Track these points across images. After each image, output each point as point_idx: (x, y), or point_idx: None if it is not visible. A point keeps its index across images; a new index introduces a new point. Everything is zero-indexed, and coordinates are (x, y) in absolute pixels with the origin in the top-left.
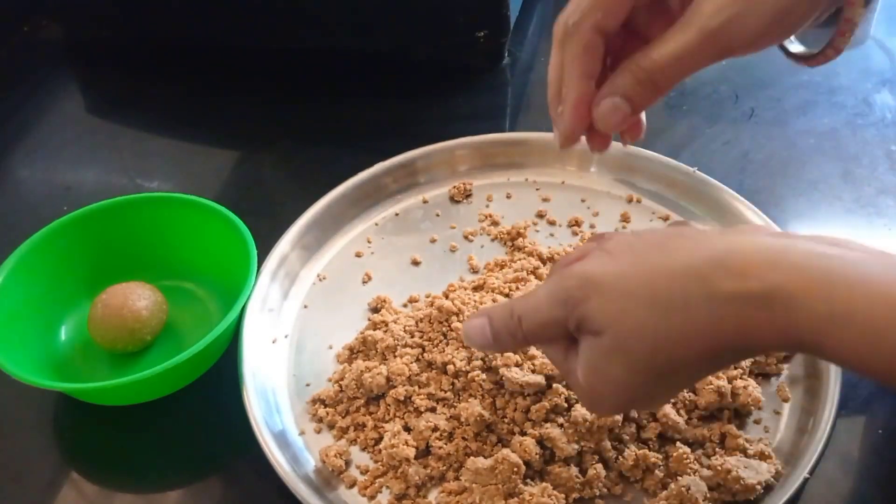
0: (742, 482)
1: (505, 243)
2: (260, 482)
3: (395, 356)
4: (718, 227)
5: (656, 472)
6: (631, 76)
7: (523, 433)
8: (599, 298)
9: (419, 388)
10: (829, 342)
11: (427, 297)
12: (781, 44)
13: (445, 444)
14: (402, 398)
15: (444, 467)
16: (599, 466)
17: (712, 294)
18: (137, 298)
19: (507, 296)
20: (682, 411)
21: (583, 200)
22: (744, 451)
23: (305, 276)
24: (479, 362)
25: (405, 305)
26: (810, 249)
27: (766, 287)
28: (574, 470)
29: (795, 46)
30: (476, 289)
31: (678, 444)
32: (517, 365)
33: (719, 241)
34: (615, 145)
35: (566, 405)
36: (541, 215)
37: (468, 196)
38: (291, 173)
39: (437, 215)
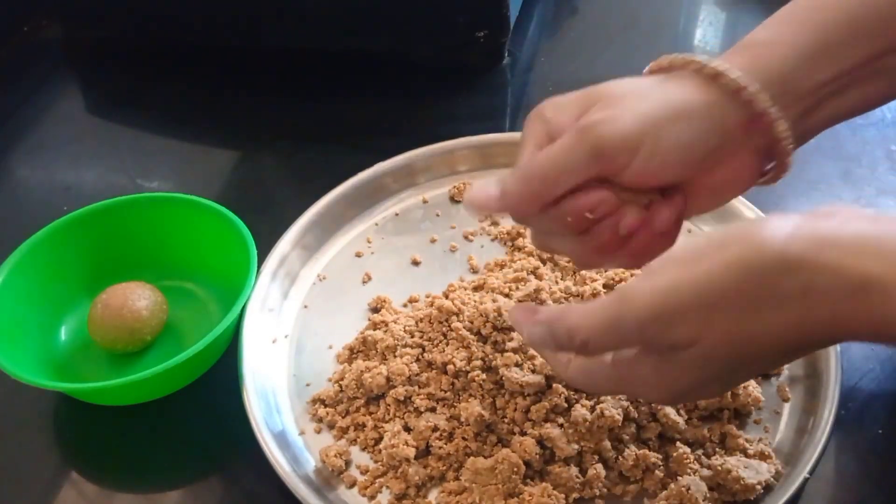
0: (742, 482)
1: (505, 243)
2: (260, 482)
3: (395, 356)
4: (794, 214)
5: (656, 472)
6: (514, 170)
7: (523, 433)
8: (680, 323)
9: (419, 388)
10: None
11: (427, 297)
12: None
13: (445, 444)
14: (402, 398)
15: (444, 467)
16: (599, 466)
17: (806, 290)
18: (137, 298)
19: (507, 296)
20: (682, 411)
21: None
22: (744, 451)
23: (305, 276)
24: (478, 362)
25: (405, 305)
26: None
27: (863, 280)
28: (574, 470)
29: None
30: (476, 289)
31: (678, 444)
32: (517, 365)
33: (808, 233)
34: None
35: (566, 405)
36: None
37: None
38: (291, 173)
39: (437, 215)
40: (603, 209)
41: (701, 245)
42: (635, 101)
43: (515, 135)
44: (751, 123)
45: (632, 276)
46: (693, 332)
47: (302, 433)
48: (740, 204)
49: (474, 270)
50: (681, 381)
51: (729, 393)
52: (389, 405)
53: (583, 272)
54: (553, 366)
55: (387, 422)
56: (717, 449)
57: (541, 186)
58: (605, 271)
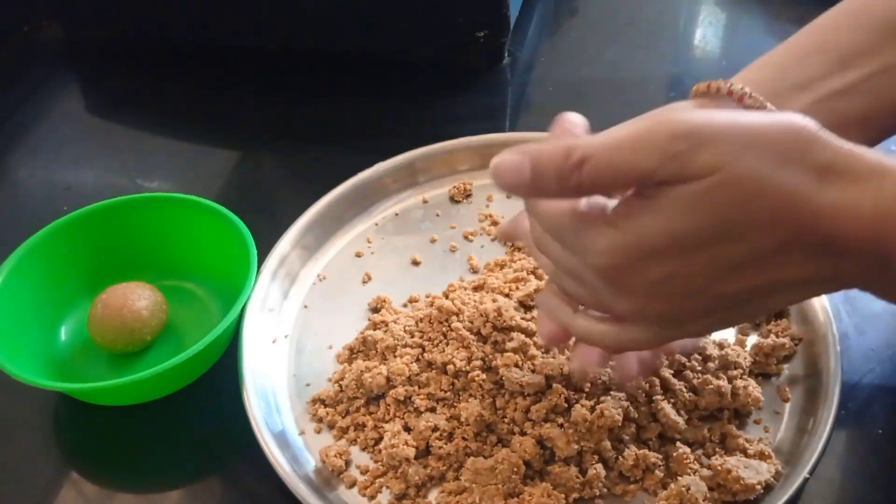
0: (742, 482)
1: (505, 243)
2: (260, 482)
3: (395, 356)
4: None
5: (656, 472)
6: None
7: (523, 433)
8: (710, 146)
9: (419, 388)
10: None
11: (427, 297)
12: None
13: (445, 444)
14: (402, 398)
15: (444, 467)
16: (599, 466)
17: (829, 164)
18: (137, 298)
19: (507, 296)
20: (682, 411)
21: None
22: (744, 451)
23: (305, 276)
24: (478, 362)
25: (405, 305)
26: None
27: (881, 167)
28: (574, 470)
29: None
30: (476, 289)
31: (678, 444)
32: (517, 365)
33: (840, 145)
34: None
35: (566, 405)
36: None
37: (468, 196)
38: (291, 173)
39: (437, 215)
40: None
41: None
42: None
43: (515, 135)
44: None
45: None
46: (718, 157)
47: (302, 433)
48: None
49: (474, 270)
50: (645, 228)
51: (729, 393)
52: (389, 405)
53: None
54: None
55: (387, 422)
56: (717, 449)
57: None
58: None
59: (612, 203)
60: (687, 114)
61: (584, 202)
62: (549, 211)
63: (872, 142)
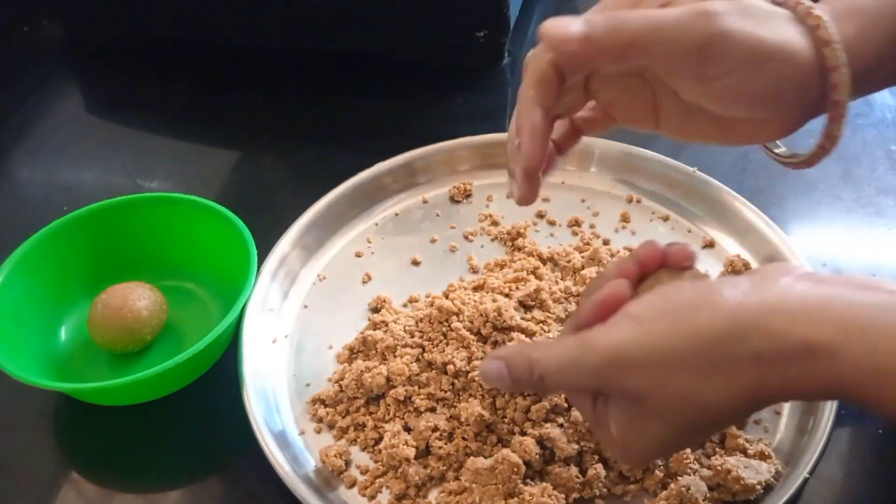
0: (742, 482)
1: (505, 243)
2: (260, 482)
3: (395, 356)
4: (744, 275)
5: (656, 472)
6: (601, 13)
7: (523, 433)
8: (634, 375)
9: (419, 388)
10: (873, 394)
11: (427, 297)
12: (769, 148)
13: (445, 444)
14: (402, 398)
15: (444, 467)
16: (599, 466)
17: (757, 355)
18: (137, 298)
19: (507, 296)
20: None
21: (583, 200)
22: (744, 451)
23: (305, 276)
24: (478, 362)
25: (405, 305)
26: (851, 300)
27: (810, 343)
28: (574, 470)
29: (782, 150)
30: (476, 289)
31: None
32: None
33: (756, 301)
34: (615, 145)
35: (566, 405)
36: (541, 215)
37: (468, 196)
38: (291, 173)
39: (437, 215)
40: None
41: (659, 306)
42: (760, 20)
43: None
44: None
45: None
46: (645, 385)
47: (302, 433)
48: (741, 205)
49: (474, 270)
50: (639, 438)
51: None
52: (389, 405)
53: (583, 272)
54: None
55: (387, 422)
56: (717, 449)
57: (632, 42)
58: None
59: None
60: (605, 340)
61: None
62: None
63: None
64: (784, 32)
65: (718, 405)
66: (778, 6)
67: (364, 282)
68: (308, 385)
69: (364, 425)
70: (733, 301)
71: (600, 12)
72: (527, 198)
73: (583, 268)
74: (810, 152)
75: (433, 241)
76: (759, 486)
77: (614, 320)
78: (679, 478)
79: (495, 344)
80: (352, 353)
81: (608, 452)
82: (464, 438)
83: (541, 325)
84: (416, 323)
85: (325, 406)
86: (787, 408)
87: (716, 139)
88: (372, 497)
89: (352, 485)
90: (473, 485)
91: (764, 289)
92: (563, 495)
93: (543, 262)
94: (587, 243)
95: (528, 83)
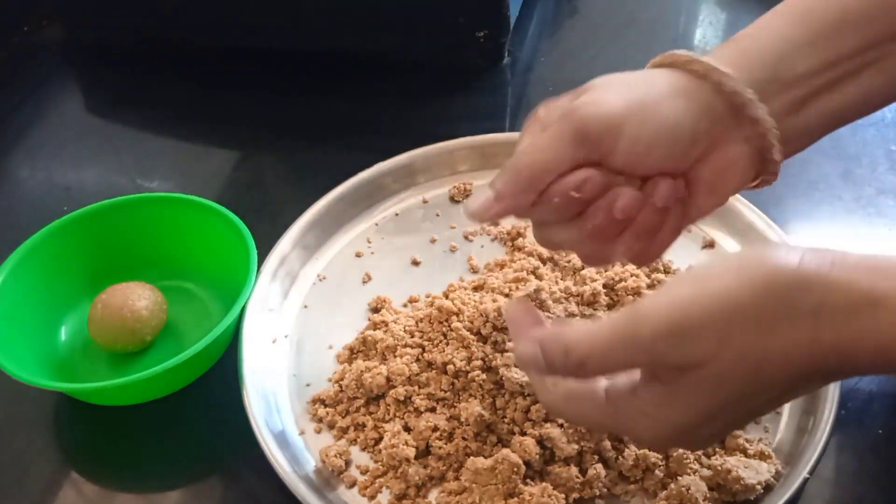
0: (742, 482)
1: (505, 243)
2: (260, 482)
3: (395, 356)
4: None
5: (656, 472)
6: (503, 168)
7: (523, 433)
8: (697, 339)
9: (419, 388)
10: None
11: (427, 297)
12: None
13: (445, 444)
14: (402, 398)
15: (444, 467)
16: (599, 466)
17: (819, 307)
18: (137, 298)
19: (507, 296)
20: None
21: None
22: (744, 451)
23: (305, 276)
24: (478, 362)
25: (405, 305)
26: None
27: (873, 295)
28: (574, 470)
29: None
30: (476, 289)
31: None
32: (517, 365)
33: (817, 257)
34: None
35: None
36: None
37: (468, 196)
38: (291, 173)
39: (437, 215)
40: (589, 188)
41: (715, 265)
42: (621, 86)
43: (515, 135)
44: (738, 112)
45: (632, 276)
46: (709, 349)
47: (302, 433)
48: (741, 205)
49: (474, 270)
50: (682, 414)
51: None
52: (389, 405)
53: (583, 272)
54: (536, 388)
55: (387, 422)
56: (717, 449)
57: (529, 177)
58: (605, 271)
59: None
60: (661, 304)
61: (602, 395)
62: (576, 411)
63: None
64: (654, 82)
65: (773, 366)
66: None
67: (364, 282)
68: (308, 385)
69: (364, 425)
70: (795, 255)
71: (509, 162)
72: (481, 215)
73: (583, 268)
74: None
75: (433, 241)
76: (759, 486)
77: (667, 283)
78: (679, 478)
79: (495, 344)
80: (352, 353)
81: (641, 441)
82: (464, 438)
83: None
84: (416, 323)
85: (325, 406)
86: (787, 408)
87: (720, 196)
88: (372, 497)
89: (352, 485)
90: (473, 485)
91: (820, 251)
92: (563, 495)
93: (543, 262)
94: None
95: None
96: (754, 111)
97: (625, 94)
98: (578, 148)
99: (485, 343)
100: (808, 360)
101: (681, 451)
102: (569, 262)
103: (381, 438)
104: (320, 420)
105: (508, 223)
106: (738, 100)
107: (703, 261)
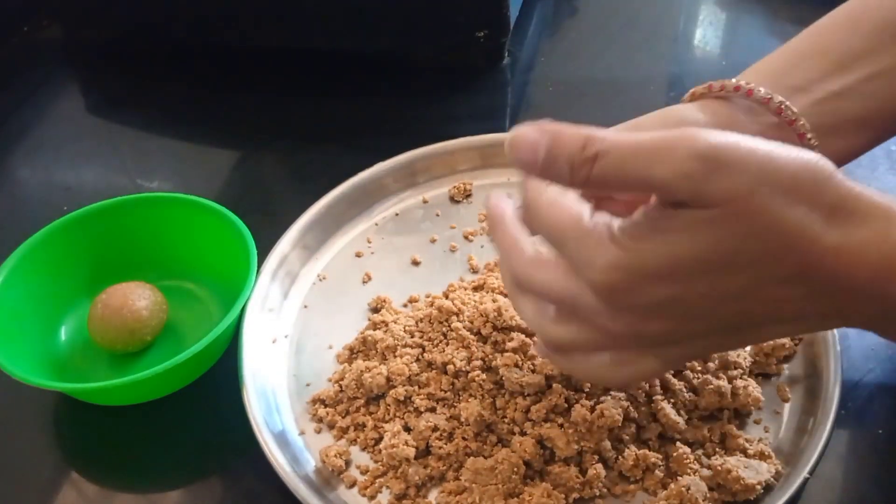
0: (742, 482)
1: None
2: (260, 482)
3: (395, 356)
4: None
5: (656, 472)
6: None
7: (523, 433)
8: (731, 174)
9: (419, 388)
10: None
11: (427, 297)
12: None
13: (445, 444)
14: (402, 398)
15: (444, 467)
16: (599, 466)
17: (836, 203)
18: (137, 298)
19: (507, 296)
20: (682, 411)
21: None
22: (744, 451)
23: (305, 276)
24: (478, 362)
25: (405, 305)
26: None
27: (890, 210)
28: (574, 470)
29: None
30: (476, 289)
31: (678, 444)
32: (517, 365)
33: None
34: None
35: (566, 405)
36: None
37: (468, 196)
38: (291, 173)
39: (437, 215)
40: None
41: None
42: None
43: None
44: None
45: None
46: (735, 188)
47: (302, 433)
48: None
49: (474, 270)
50: (685, 248)
51: (729, 393)
52: (389, 405)
53: None
54: (528, 318)
55: (387, 422)
56: (717, 449)
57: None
58: None
59: (617, 222)
60: (711, 134)
61: (587, 215)
62: (552, 215)
63: (870, 144)
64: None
65: (774, 238)
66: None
67: (364, 282)
68: (308, 385)
69: (364, 425)
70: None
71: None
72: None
73: None
74: None
75: (433, 241)
76: (759, 486)
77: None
78: (679, 478)
79: (495, 344)
80: (352, 353)
81: (646, 334)
82: (464, 438)
83: None
84: (416, 323)
85: (325, 406)
86: (787, 408)
87: None
88: (372, 497)
89: (352, 485)
90: (473, 485)
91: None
92: (563, 495)
93: None
94: None
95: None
96: (794, 119)
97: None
98: None
99: (485, 343)
100: (804, 252)
101: (681, 451)
102: None
103: (381, 438)
104: (320, 420)
105: None
106: (773, 106)
107: None
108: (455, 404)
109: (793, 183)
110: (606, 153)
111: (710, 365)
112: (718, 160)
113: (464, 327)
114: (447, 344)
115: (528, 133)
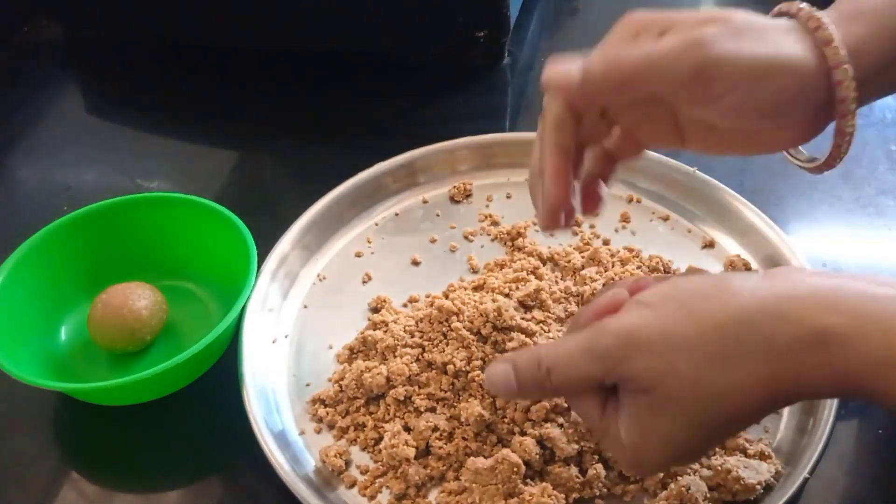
0: (742, 482)
1: (505, 243)
2: (260, 482)
3: (395, 356)
4: (757, 270)
5: None
6: (599, 52)
7: (523, 433)
8: (644, 357)
9: (419, 388)
10: (885, 387)
11: (427, 297)
12: (792, 155)
13: (445, 444)
14: (402, 398)
15: (444, 467)
16: (599, 466)
17: (769, 344)
18: (137, 298)
19: (507, 296)
20: None
21: None
22: (744, 451)
23: (305, 276)
24: (478, 362)
25: (405, 305)
26: (863, 291)
27: (822, 332)
28: (574, 470)
29: (804, 155)
30: (476, 289)
31: None
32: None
33: (768, 289)
34: None
35: (566, 405)
36: None
37: (468, 196)
38: (291, 173)
39: (437, 215)
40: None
41: (670, 293)
42: (754, 38)
43: (515, 135)
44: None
45: (630, 274)
46: (656, 369)
47: (302, 433)
48: (741, 205)
49: (474, 270)
50: (650, 438)
51: None
52: (389, 405)
53: (583, 272)
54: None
55: (387, 422)
56: (717, 449)
57: (629, 78)
58: (606, 271)
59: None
60: (621, 321)
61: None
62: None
63: None
64: (781, 45)
65: (731, 398)
66: (780, 16)
67: (364, 282)
68: (308, 385)
69: (364, 425)
70: (745, 290)
71: (602, 51)
72: (550, 227)
73: (583, 268)
74: (828, 153)
75: (433, 241)
76: (759, 486)
77: (626, 307)
78: (679, 478)
79: (495, 344)
80: (352, 353)
81: (620, 465)
82: (464, 438)
83: (541, 325)
84: (416, 323)
85: (325, 406)
86: (787, 408)
87: (741, 150)
88: (372, 497)
89: (352, 485)
90: (473, 485)
91: (775, 279)
92: (563, 495)
93: (543, 262)
94: (587, 243)
95: (544, 128)
96: (842, 82)
97: (756, 48)
98: (691, 82)
99: (485, 343)
100: (767, 391)
101: None
102: (569, 262)
103: (381, 438)
104: (320, 420)
105: (509, 223)
106: (832, 62)
107: (661, 286)
108: (455, 404)
109: (708, 347)
110: (553, 367)
111: None
112: (631, 346)
113: (464, 327)
114: (447, 344)
115: (497, 370)
